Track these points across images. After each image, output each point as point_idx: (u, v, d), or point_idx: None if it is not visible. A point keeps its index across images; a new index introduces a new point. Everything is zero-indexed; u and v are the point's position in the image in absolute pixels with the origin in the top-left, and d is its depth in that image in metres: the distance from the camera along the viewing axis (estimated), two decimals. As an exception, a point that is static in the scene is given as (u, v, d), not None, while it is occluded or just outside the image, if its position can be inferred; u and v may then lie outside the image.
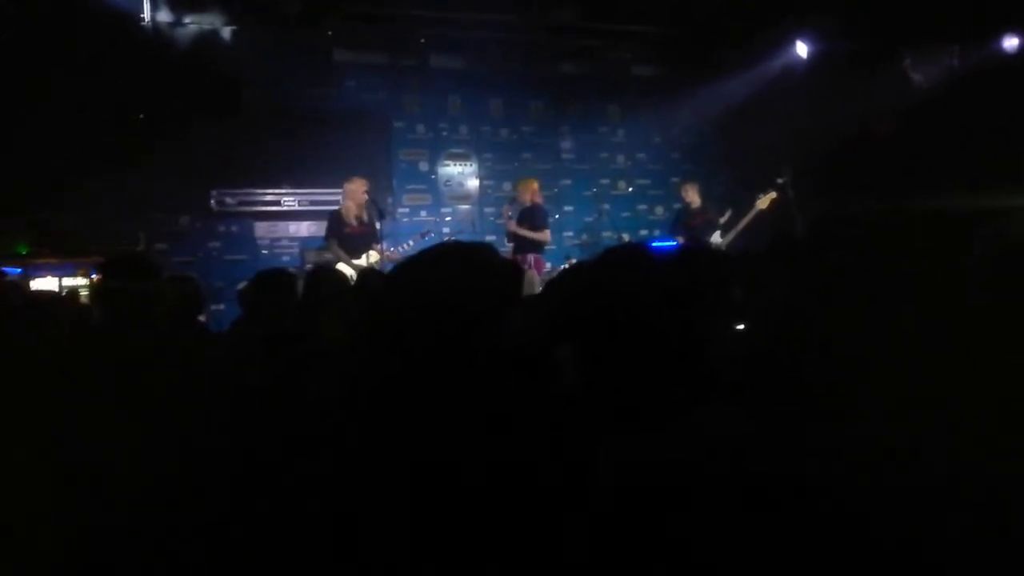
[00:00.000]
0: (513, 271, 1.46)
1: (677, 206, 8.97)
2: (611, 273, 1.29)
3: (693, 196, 8.08)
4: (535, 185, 7.84)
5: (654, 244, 8.48)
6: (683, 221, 8.15)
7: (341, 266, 6.67)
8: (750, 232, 7.56)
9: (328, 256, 7.07)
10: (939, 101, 8.10)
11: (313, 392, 1.63)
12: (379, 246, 7.02)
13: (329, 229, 7.12)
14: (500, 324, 1.20)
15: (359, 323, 1.42)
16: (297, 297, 3.61)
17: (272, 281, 3.54)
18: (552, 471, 1.05)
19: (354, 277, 5.05)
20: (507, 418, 1.10)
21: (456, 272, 1.27)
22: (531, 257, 7.36)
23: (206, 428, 2.01)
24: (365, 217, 7.10)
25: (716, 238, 7.65)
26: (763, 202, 7.51)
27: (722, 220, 7.76)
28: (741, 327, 1.90)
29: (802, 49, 8.70)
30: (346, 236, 7.01)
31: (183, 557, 1.62)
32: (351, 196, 7.07)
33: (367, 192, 7.05)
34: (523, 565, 1.02)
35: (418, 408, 1.13)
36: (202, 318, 4.41)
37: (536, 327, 1.43)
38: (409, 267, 1.33)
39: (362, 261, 6.86)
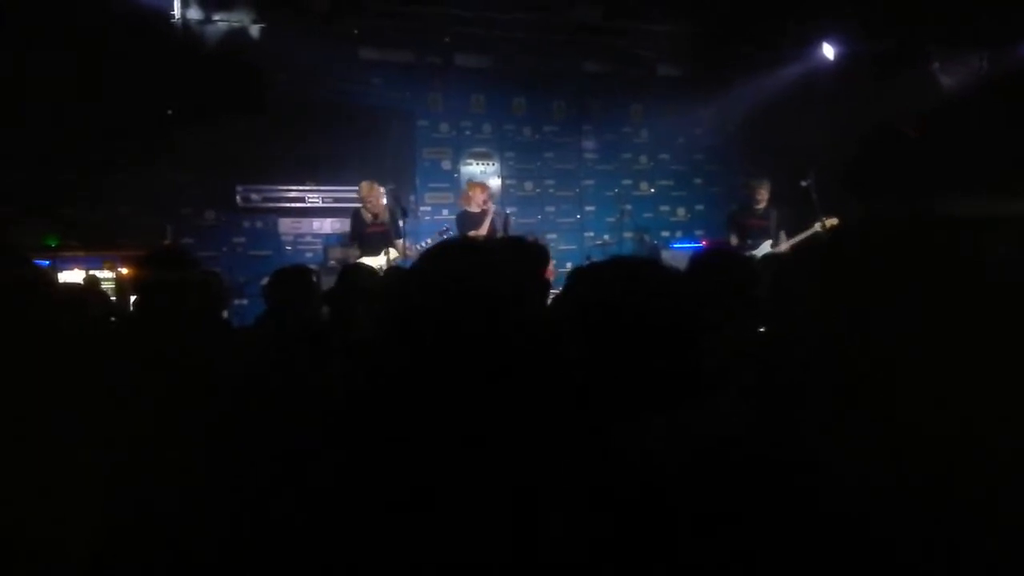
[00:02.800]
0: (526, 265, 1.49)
1: (700, 207, 8.94)
2: (624, 274, 1.31)
3: (761, 197, 7.51)
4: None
5: (677, 245, 8.43)
6: (737, 220, 7.69)
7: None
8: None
9: (352, 252, 7.25)
10: (967, 105, 8.01)
11: (339, 387, 1.65)
12: (400, 242, 7.13)
13: (350, 229, 7.46)
14: (520, 316, 1.22)
15: (385, 319, 1.45)
16: (317, 294, 3.65)
17: (293, 278, 3.59)
18: (564, 464, 1.07)
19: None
20: (528, 412, 1.12)
21: (474, 265, 1.29)
22: None
23: (229, 423, 2.04)
24: (384, 216, 7.24)
25: (765, 248, 7.44)
26: (825, 225, 7.26)
27: (781, 235, 7.58)
28: (762, 329, 1.91)
29: (829, 51, 8.63)
30: (365, 235, 7.25)
31: (202, 553, 1.65)
32: (362, 198, 7.30)
33: (378, 193, 7.22)
34: (534, 554, 1.04)
35: (440, 403, 1.15)
36: (224, 314, 4.46)
37: (551, 323, 1.44)
38: (429, 261, 1.36)
39: (381, 258, 6.95)
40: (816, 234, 7.20)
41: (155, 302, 2.52)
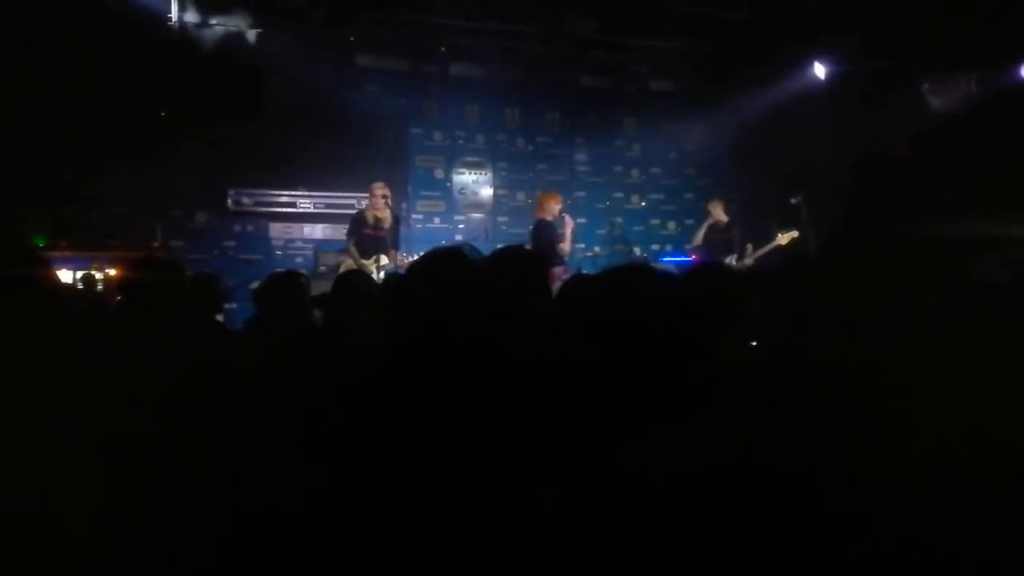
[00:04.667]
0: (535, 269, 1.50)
1: (690, 221, 9.03)
2: (631, 284, 1.32)
3: (718, 213, 8.06)
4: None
5: (667, 259, 8.50)
6: (705, 237, 8.18)
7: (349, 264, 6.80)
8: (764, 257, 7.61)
9: (341, 257, 7.15)
10: (956, 126, 8.10)
11: (332, 387, 1.66)
12: (394, 251, 7.10)
13: (349, 229, 7.24)
14: (521, 323, 1.24)
15: (384, 324, 1.46)
16: (308, 298, 3.65)
17: (285, 282, 3.59)
18: (568, 468, 1.08)
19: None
20: (530, 413, 1.13)
21: (475, 272, 1.31)
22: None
23: (220, 423, 2.04)
24: (386, 221, 7.17)
25: (731, 261, 7.64)
26: (784, 238, 7.54)
27: (747, 248, 7.80)
28: (754, 343, 1.93)
29: (820, 70, 8.72)
30: (363, 237, 7.11)
31: (193, 552, 1.64)
32: (369, 198, 7.19)
33: (386, 197, 7.12)
34: (537, 556, 1.05)
35: (441, 404, 1.16)
36: (220, 317, 4.44)
37: (551, 331, 1.46)
38: (430, 267, 1.37)
39: (371, 263, 6.92)
40: (778, 246, 7.44)
41: (146, 304, 2.51)
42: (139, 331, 2.38)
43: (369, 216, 7.13)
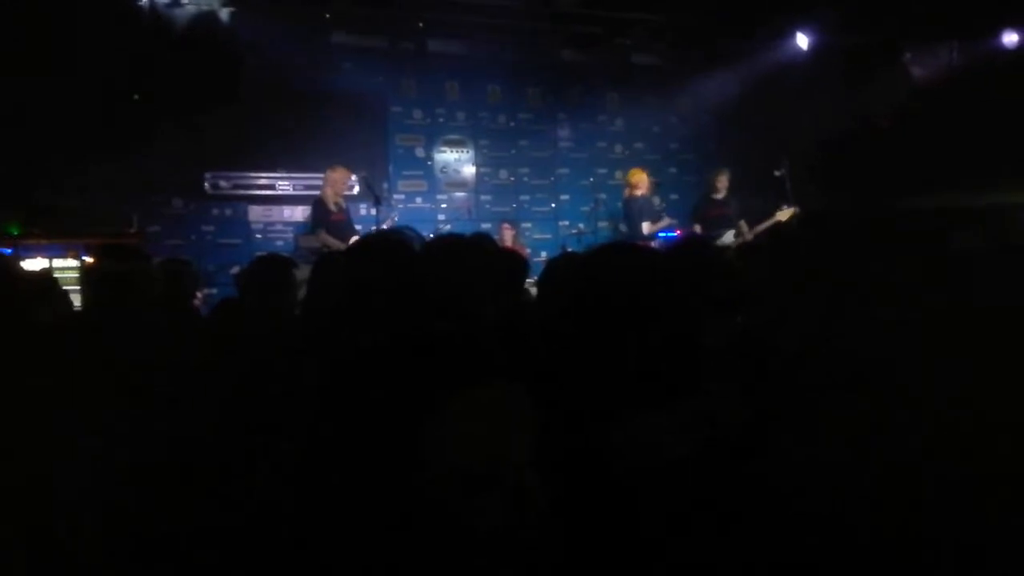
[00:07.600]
0: (515, 261, 1.47)
1: (675, 196, 9.00)
2: (615, 263, 1.29)
3: (720, 186, 7.87)
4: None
5: (659, 235, 8.45)
6: (699, 210, 8.05)
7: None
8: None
9: (314, 243, 7.07)
10: (938, 96, 8.10)
11: (306, 377, 1.62)
12: (354, 235, 7.08)
13: (316, 216, 7.19)
14: (503, 313, 1.20)
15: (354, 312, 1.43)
16: (295, 282, 3.58)
17: (271, 267, 3.52)
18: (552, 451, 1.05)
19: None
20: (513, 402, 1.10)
21: (453, 268, 1.27)
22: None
23: (195, 411, 2.00)
24: (343, 204, 7.18)
25: (728, 237, 7.58)
26: (784, 215, 7.45)
27: (742, 224, 7.74)
28: (739, 319, 1.90)
29: (802, 41, 8.69)
30: (332, 223, 7.06)
31: (167, 542, 1.61)
32: (332, 184, 7.14)
33: (349, 180, 7.15)
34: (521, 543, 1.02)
35: (418, 395, 1.13)
36: (198, 303, 4.38)
37: (536, 313, 1.42)
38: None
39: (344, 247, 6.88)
40: (778, 222, 7.38)
41: (115, 293, 2.46)
42: (105, 321, 2.32)
43: (331, 202, 7.09)
